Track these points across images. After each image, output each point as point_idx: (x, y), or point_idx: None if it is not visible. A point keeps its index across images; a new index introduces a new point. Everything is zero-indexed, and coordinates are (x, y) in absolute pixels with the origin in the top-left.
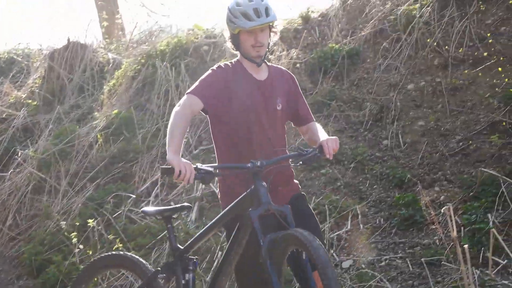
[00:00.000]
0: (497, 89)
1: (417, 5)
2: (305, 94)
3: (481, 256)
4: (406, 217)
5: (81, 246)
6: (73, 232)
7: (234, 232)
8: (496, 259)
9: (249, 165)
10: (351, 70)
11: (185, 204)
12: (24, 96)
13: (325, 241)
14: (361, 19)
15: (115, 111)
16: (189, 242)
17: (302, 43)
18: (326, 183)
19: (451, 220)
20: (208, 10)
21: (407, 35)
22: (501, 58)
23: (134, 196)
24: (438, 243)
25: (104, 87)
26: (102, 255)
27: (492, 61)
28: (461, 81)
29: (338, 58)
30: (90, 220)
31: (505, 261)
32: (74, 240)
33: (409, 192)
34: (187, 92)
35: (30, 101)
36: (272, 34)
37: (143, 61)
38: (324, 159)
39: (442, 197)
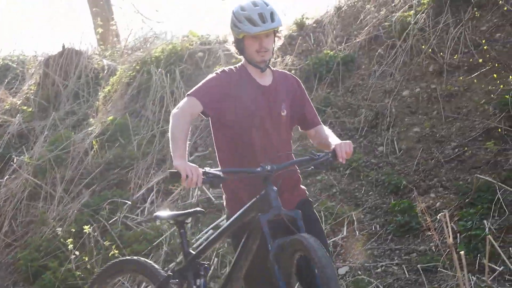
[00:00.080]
0: (492, 95)
1: (412, 12)
2: None
3: (477, 263)
4: (402, 223)
5: (77, 253)
6: (69, 238)
7: (244, 238)
8: (493, 265)
9: (259, 169)
10: (346, 77)
11: (198, 208)
12: (19, 102)
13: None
14: (355, 25)
15: (110, 117)
16: (200, 247)
17: (297, 49)
18: (321, 189)
19: (447, 227)
20: (203, 16)
21: (402, 42)
22: (496, 65)
23: (129, 202)
24: (434, 250)
25: (99, 93)
26: (116, 260)
27: (487, 67)
28: (456, 87)
29: (333, 64)
30: (86, 227)
31: (502, 267)
32: (70, 246)
33: (405, 199)
34: (187, 93)
35: (25, 107)
36: (276, 38)
37: (138, 67)
38: (337, 164)
39: (438, 204)
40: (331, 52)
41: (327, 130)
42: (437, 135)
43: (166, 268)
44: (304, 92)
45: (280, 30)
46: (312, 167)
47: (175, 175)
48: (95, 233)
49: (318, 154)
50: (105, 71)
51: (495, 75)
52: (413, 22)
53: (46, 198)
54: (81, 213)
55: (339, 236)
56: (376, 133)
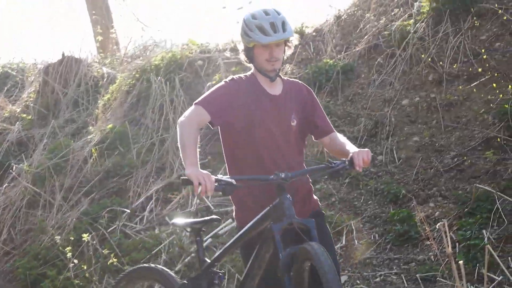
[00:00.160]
0: (491, 105)
1: (412, 21)
2: None
3: (476, 272)
4: (401, 233)
5: (75, 261)
6: (68, 246)
7: (257, 247)
8: (491, 275)
9: (272, 176)
10: (346, 86)
11: (214, 216)
12: (18, 110)
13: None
14: (355, 34)
15: (110, 125)
16: (215, 255)
17: (296, 58)
18: (320, 198)
19: (446, 236)
20: (203, 24)
21: (401, 51)
22: (496, 74)
23: (128, 210)
24: (433, 259)
25: (99, 101)
26: (135, 267)
27: (487, 77)
28: (455, 97)
29: (333, 73)
30: (84, 235)
31: (500, 277)
32: (69, 254)
33: (404, 208)
34: (195, 102)
35: (24, 115)
36: (286, 48)
37: (137, 75)
38: (354, 172)
39: (437, 213)
40: (331, 61)
41: (342, 138)
42: (437, 144)
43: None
44: (315, 100)
45: (291, 40)
46: (328, 176)
47: (187, 182)
48: (94, 242)
49: (334, 162)
50: (105, 79)
51: (494, 85)
52: (412, 31)
53: (45, 206)
54: (80, 221)
55: (338, 245)
56: (375, 142)
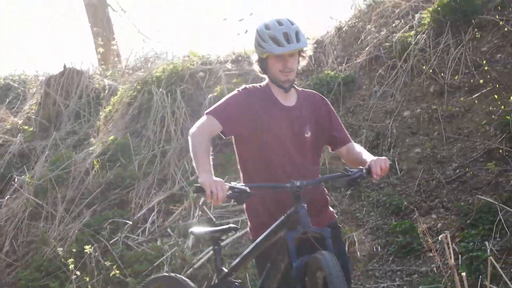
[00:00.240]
0: (493, 116)
1: (413, 32)
2: None
3: (479, 284)
4: (403, 244)
5: (78, 273)
6: (70, 258)
7: (273, 256)
8: (494, 287)
9: (288, 184)
10: (347, 97)
11: (232, 225)
12: (20, 122)
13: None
14: (356, 46)
15: (111, 137)
16: (232, 265)
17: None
18: None
19: (449, 248)
20: (204, 36)
21: (402, 62)
22: (497, 85)
23: (130, 222)
24: (435, 271)
25: (100, 113)
26: (156, 276)
27: (488, 88)
28: (457, 108)
29: (334, 85)
30: (87, 247)
31: None
32: (71, 266)
33: (406, 219)
34: (206, 112)
35: (26, 127)
36: (301, 58)
37: (139, 87)
38: (371, 181)
39: (439, 225)
40: (332, 72)
41: (359, 147)
42: (438, 156)
43: None
44: (331, 111)
45: (305, 50)
46: (345, 184)
47: (199, 190)
48: (96, 253)
49: (351, 170)
50: (106, 91)
51: (496, 96)
52: (413, 43)
53: (47, 218)
54: (82, 233)
55: None
56: (377, 153)
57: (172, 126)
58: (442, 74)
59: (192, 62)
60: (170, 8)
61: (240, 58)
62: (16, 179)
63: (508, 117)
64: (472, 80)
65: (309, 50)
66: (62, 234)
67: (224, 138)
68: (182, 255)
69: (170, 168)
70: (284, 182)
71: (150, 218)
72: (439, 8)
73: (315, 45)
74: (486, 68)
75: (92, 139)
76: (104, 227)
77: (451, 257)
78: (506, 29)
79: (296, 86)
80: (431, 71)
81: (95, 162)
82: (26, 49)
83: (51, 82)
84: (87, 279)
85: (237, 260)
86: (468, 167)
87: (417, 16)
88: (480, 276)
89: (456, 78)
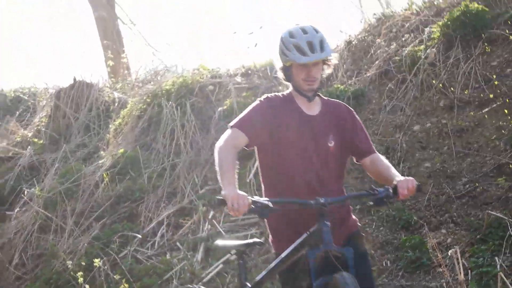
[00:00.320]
0: (503, 131)
1: (422, 47)
2: None
3: None
4: (412, 259)
5: (87, 286)
6: (79, 271)
7: (295, 273)
8: None
9: (312, 201)
10: (357, 111)
11: (257, 240)
12: (30, 134)
13: None
14: (366, 60)
15: (121, 150)
16: (256, 280)
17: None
18: None
19: (458, 263)
20: (213, 50)
21: (412, 76)
22: (507, 100)
23: (140, 236)
24: (445, 286)
25: (110, 126)
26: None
27: (498, 103)
28: (467, 122)
29: (344, 98)
30: (96, 260)
31: None
32: (80, 279)
33: (416, 234)
34: (230, 125)
35: (36, 139)
36: (325, 67)
37: (148, 100)
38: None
39: (449, 240)
40: (342, 86)
41: (384, 161)
42: (448, 170)
43: None
44: (357, 121)
45: (330, 58)
46: (371, 203)
47: (221, 202)
48: (105, 267)
49: (377, 189)
50: (116, 104)
51: (506, 111)
52: (423, 57)
53: (56, 230)
54: (91, 246)
55: None
56: None
57: (181, 139)
58: (452, 89)
59: (201, 75)
60: (170, 8)
61: (249, 72)
62: (25, 192)
63: None
64: (482, 95)
65: (334, 59)
66: (72, 247)
67: (247, 149)
68: (191, 269)
69: (179, 181)
70: (307, 193)
71: (159, 232)
72: (449, 22)
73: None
74: (496, 82)
75: (102, 152)
76: (113, 241)
77: (460, 273)
78: None
79: (321, 95)
80: (441, 85)
81: (104, 175)
82: (26, 49)
83: (61, 95)
84: None
85: (261, 275)
86: (478, 182)
87: (427, 30)
88: None
89: (466, 92)
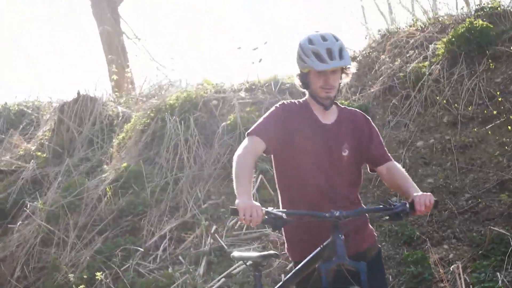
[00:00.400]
0: (506, 147)
1: (427, 63)
2: None
3: None
4: (415, 274)
5: None
6: (81, 285)
7: (309, 286)
8: None
9: (327, 214)
10: None
11: (272, 252)
12: (33, 148)
13: None
14: (370, 76)
15: (124, 164)
16: None
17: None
18: None
19: (460, 278)
20: (217, 65)
21: (416, 93)
22: (511, 117)
23: (142, 249)
24: None
25: (114, 140)
26: None
27: (502, 119)
28: (470, 139)
29: None
30: (98, 273)
31: None
32: None
33: (418, 250)
34: (247, 133)
35: (39, 153)
36: (344, 75)
37: (152, 115)
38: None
39: (451, 255)
40: (346, 102)
41: (401, 170)
42: (451, 186)
43: None
44: (373, 129)
45: (348, 67)
46: (387, 218)
47: (234, 212)
48: (107, 280)
49: (394, 203)
50: (120, 118)
51: (509, 127)
52: (427, 73)
53: (58, 244)
54: (93, 260)
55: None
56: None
57: (185, 153)
58: (455, 105)
59: (205, 90)
60: (170, 8)
61: (254, 87)
62: (28, 205)
63: None
64: (485, 111)
65: (352, 68)
66: (74, 261)
67: (265, 155)
68: (193, 282)
69: (182, 195)
70: (320, 202)
71: (161, 246)
72: (453, 39)
73: None
74: (499, 99)
75: (105, 166)
76: (115, 254)
77: None
78: None
79: (338, 103)
80: (444, 101)
81: (107, 189)
82: (26, 49)
83: (64, 109)
84: None
85: (277, 286)
86: (481, 197)
87: (431, 46)
88: None
89: (469, 109)
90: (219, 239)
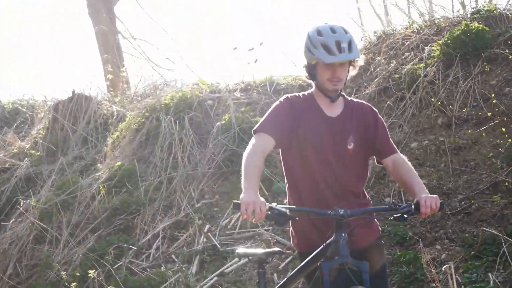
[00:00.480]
0: (500, 149)
1: (422, 65)
2: None
3: None
4: (407, 274)
5: None
6: (74, 282)
7: (310, 285)
8: None
9: (331, 212)
10: None
11: (276, 249)
12: (27, 146)
13: None
14: (365, 77)
15: (118, 163)
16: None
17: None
18: None
19: (452, 279)
20: (212, 64)
21: (411, 94)
22: (505, 119)
23: (135, 248)
24: None
25: (108, 139)
26: None
27: (496, 121)
28: (464, 140)
29: None
30: (90, 271)
31: None
32: None
33: (410, 250)
34: (254, 129)
35: (33, 151)
36: (351, 68)
37: (147, 114)
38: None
39: (443, 256)
40: None
41: (407, 164)
42: (444, 187)
43: None
44: (380, 121)
45: (357, 60)
46: (391, 218)
47: (236, 206)
48: (100, 278)
49: (399, 204)
50: (114, 117)
51: (503, 129)
52: (423, 75)
53: (51, 241)
54: (86, 257)
55: None
56: (383, 184)
57: (179, 153)
58: (450, 107)
59: (200, 90)
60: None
61: (249, 87)
62: (21, 203)
63: None
64: (480, 113)
65: (360, 61)
66: (66, 258)
67: (273, 149)
68: (185, 281)
69: (176, 194)
70: (326, 195)
71: (154, 244)
72: (449, 41)
73: None
74: (494, 101)
75: (99, 165)
76: (108, 252)
77: None
78: None
79: (345, 95)
80: (439, 103)
81: (101, 187)
82: (26, 49)
83: (59, 107)
84: None
85: (280, 284)
86: (474, 199)
87: (427, 48)
88: None
89: (464, 110)
90: (212, 238)
